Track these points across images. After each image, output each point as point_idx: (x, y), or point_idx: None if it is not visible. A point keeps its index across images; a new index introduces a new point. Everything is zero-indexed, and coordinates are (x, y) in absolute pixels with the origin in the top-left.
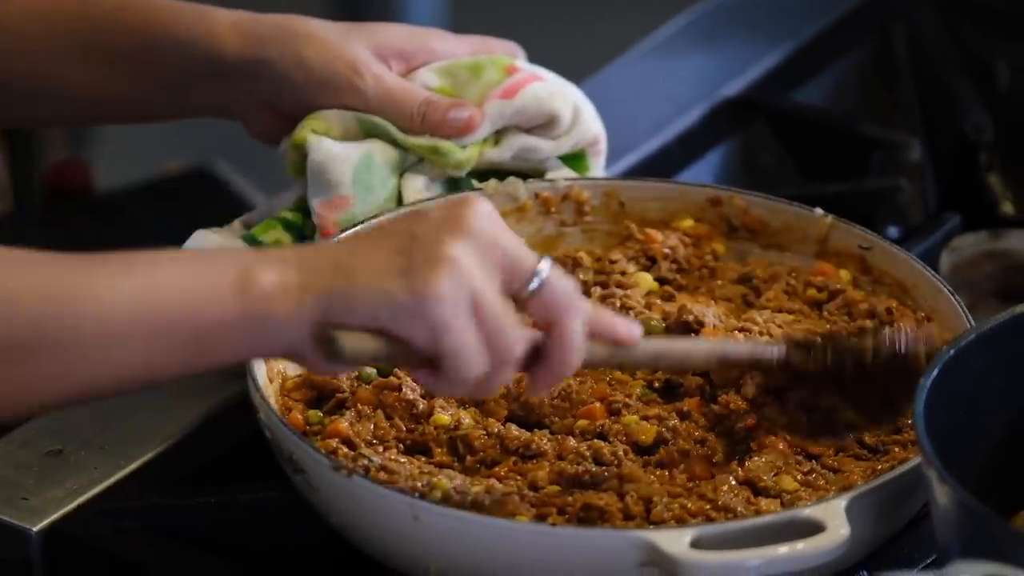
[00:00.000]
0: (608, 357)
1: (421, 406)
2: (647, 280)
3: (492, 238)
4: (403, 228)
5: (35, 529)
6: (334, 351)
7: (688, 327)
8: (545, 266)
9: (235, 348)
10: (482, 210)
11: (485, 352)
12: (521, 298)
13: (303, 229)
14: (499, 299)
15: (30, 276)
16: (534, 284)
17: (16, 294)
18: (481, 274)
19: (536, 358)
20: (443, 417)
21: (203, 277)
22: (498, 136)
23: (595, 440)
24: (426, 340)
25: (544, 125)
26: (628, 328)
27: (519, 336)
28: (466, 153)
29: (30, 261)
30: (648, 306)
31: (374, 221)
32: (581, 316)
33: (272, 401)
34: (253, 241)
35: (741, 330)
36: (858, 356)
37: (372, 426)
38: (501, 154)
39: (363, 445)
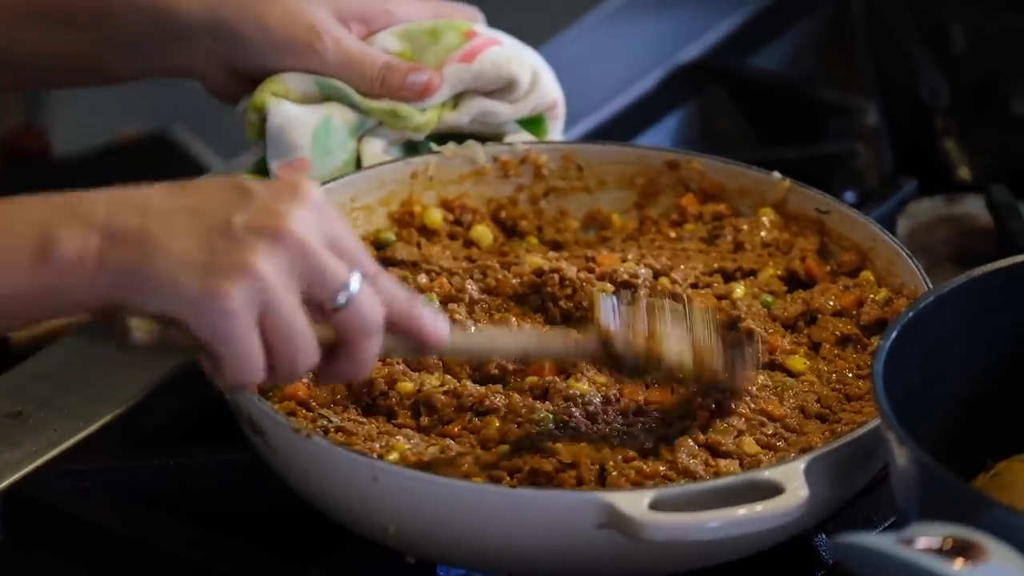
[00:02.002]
0: (411, 350)
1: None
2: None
3: (303, 246)
4: (222, 210)
5: None
6: (123, 339)
7: (628, 284)
8: (355, 283)
9: (30, 314)
10: (305, 210)
11: (265, 360)
12: (325, 310)
13: None
14: (295, 312)
15: None
16: (340, 300)
17: None
18: (282, 285)
19: (329, 357)
20: (407, 385)
21: None
22: (457, 100)
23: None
24: (207, 340)
25: (503, 89)
26: (435, 329)
27: (307, 353)
28: (425, 116)
29: None
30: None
31: (207, 178)
32: (376, 340)
33: None
34: None
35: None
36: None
37: (331, 389)
38: (460, 118)
39: (319, 407)
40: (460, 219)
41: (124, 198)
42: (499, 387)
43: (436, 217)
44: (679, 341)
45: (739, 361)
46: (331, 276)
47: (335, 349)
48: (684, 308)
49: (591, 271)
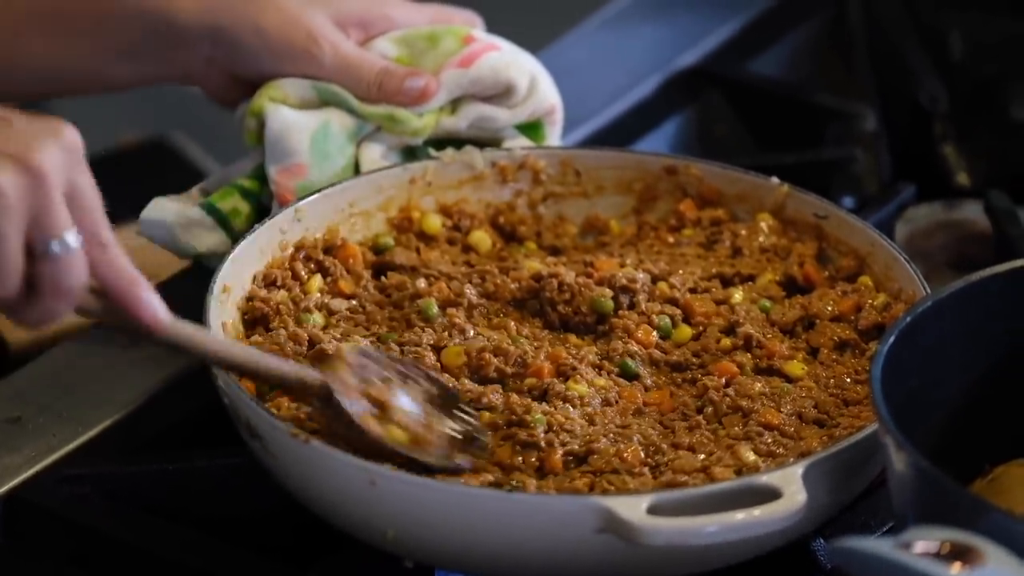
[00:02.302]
0: (124, 325)
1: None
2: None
3: (42, 181)
4: None
5: None
6: None
7: (626, 289)
8: (71, 239)
9: None
10: (58, 151)
11: None
12: (34, 252)
13: (260, 196)
14: (12, 238)
15: None
16: (51, 248)
17: None
18: (10, 209)
19: (24, 299)
20: None
21: None
22: (455, 105)
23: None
24: None
25: (501, 94)
26: (149, 312)
27: (7, 282)
28: (422, 121)
29: None
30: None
31: None
32: (67, 303)
33: None
34: (211, 208)
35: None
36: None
37: None
38: (457, 123)
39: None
40: (459, 224)
41: None
42: (498, 387)
43: (435, 223)
44: (403, 416)
45: (466, 449)
46: (52, 222)
47: (29, 293)
48: (438, 389)
49: (589, 276)
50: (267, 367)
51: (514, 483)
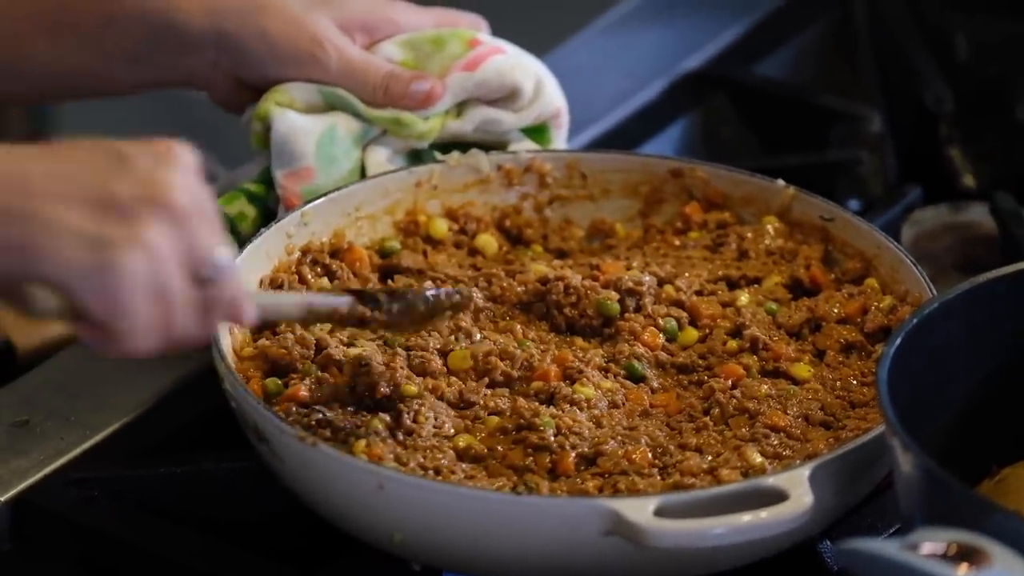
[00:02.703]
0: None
1: (385, 388)
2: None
3: (186, 217)
4: (103, 179)
5: (2, 500)
6: (26, 306)
7: (632, 292)
8: (223, 258)
9: None
10: (184, 177)
11: (157, 332)
12: (199, 279)
13: (266, 200)
14: (184, 286)
15: None
16: (212, 274)
17: None
18: (170, 256)
19: None
20: (411, 388)
21: None
22: (460, 108)
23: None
24: (103, 313)
25: (506, 98)
26: (247, 314)
27: (192, 320)
28: (428, 124)
29: None
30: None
31: (81, 142)
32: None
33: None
34: None
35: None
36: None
37: (333, 391)
38: (463, 126)
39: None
40: (465, 228)
41: (2, 178)
42: (504, 391)
43: (441, 227)
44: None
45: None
46: (207, 247)
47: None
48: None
49: (596, 279)
50: (320, 309)
51: (528, 484)
